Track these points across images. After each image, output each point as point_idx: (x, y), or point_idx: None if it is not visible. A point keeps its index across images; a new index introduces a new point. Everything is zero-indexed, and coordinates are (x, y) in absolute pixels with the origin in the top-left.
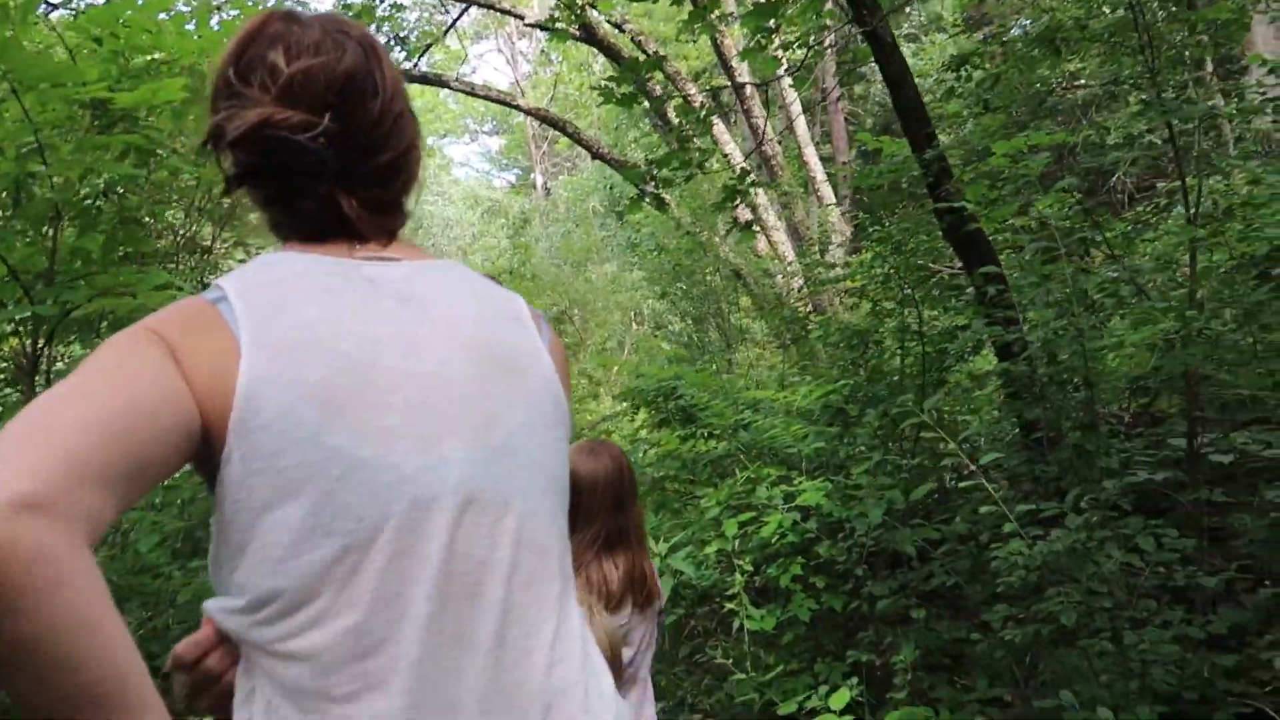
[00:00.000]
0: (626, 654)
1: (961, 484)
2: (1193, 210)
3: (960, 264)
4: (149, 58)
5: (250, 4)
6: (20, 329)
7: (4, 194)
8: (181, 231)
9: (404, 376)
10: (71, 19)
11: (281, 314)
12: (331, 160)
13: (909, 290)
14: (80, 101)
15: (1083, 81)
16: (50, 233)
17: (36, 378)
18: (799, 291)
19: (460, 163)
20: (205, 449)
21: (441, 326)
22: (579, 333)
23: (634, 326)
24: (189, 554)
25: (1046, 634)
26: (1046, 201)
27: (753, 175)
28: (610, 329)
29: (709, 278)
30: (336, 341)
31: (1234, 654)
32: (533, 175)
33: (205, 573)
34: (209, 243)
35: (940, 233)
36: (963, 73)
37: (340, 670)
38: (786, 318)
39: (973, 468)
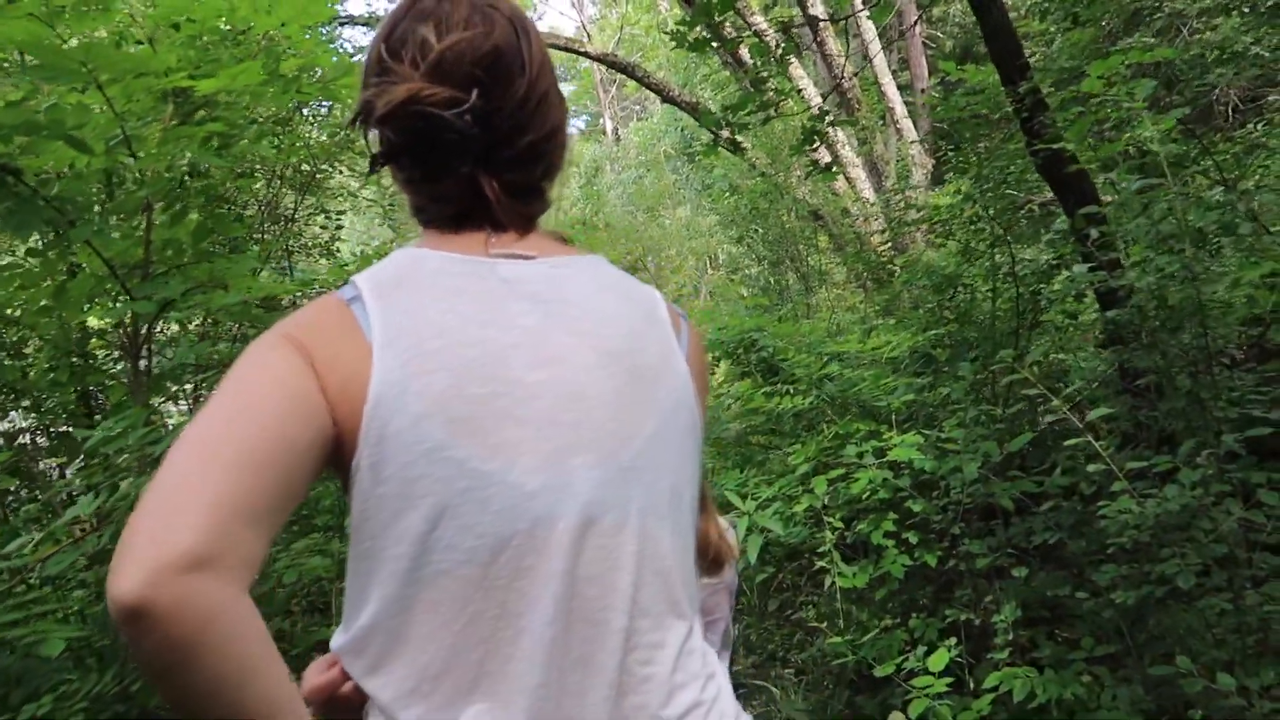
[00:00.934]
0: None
1: (1067, 442)
2: None
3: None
4: (224, 36)
5: None
6: (121, 322)
7: (97, 188)
8: (264, 202)
9: (535, 388)
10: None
11: (413, 317)
12: (477, 139)
13: (1002, 228)
14: (163, 90)
15: None
16: (143, 224)
17: (140, 360)
18: (880, 232)
19: None
20: (339, 457)
21: (577, 333)
22: (654, 280)
23: (709, 271)
24: (289, 523)
25: (1159, 595)
26: (1147, 127)
27: (831, 115)
28: (686, 275)
29: (785, 220)
30: (467, 349)
31: None
32: (602, 120)
33: (305, 553)
34: (291, 210)
35: (1034, 166)
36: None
37: (461, 694)
38: (869, 261)
39: (1079, 425)
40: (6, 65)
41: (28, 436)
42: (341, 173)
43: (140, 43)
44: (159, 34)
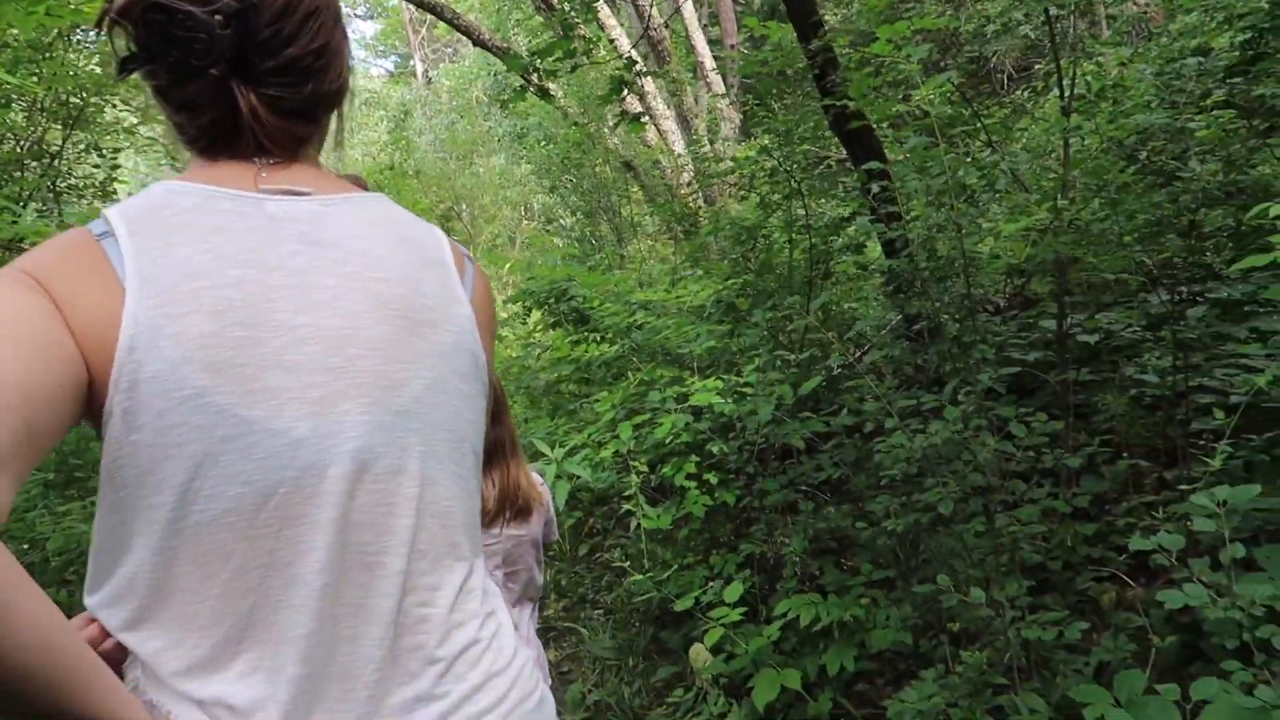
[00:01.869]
0: (497, 574)
1: (848, 384)
2: (1067, 95)
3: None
4: None
5: None
6: None
7: None
8: (25, 137)
9: (302, 331)
10: None
11: (169, 255)
12: (227, 40)
13: (796, 183)
14: None
15: None
16: None
17: None
18: (689, 184)
19: None
20: (90, 402)
21: (348, 276)
22: (467, 230)
23: (524, 222)
24: (63, 485)
25: (926, 521)
26: (927, 89)
27: (640, 64)
28: (500, 225)
29: (599, 170)
30: (227, 290)
31: (1094, 523)
32: (412, 62)
33: (76, 517)
34: (58, 146)
35: (826, 123)
36: None
37: (230, 645)
38: (678, 212)
39: (857, 367)
40: None
41: None
42: (115, 106)
43: None
44: None
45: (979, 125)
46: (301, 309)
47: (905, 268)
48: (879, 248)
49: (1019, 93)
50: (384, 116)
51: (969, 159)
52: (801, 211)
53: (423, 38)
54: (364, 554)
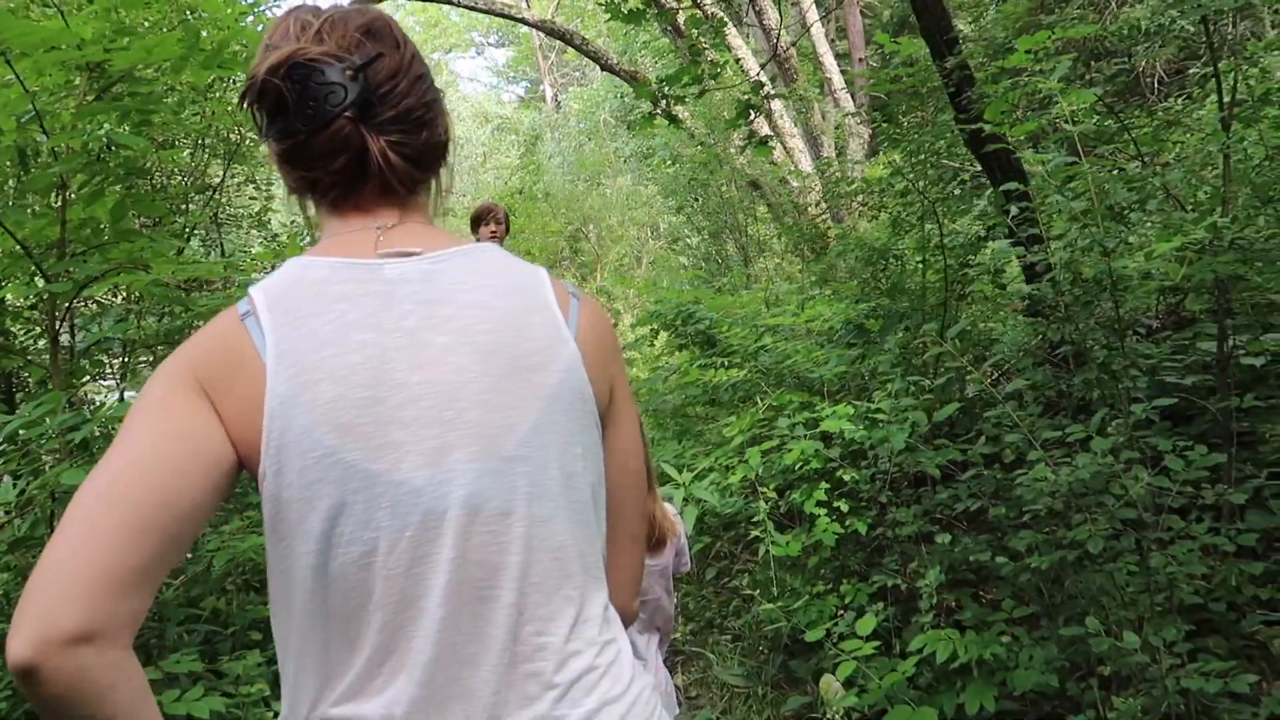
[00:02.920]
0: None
1: (987, 413)
2: (1226, 102)
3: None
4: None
5: None
6: (39, 300)
7: (8, 165)
8: (190, 173)
9: (416, 389)
10: None
11: (301, 328)
12: (358, 90)
13: (929, 203)
14: (77, 65)
15: None
16: (58, 202)
17: (58, 341)
18: (816, 204)
19: (468, 78)
20: (249, 467)
21: (455, 332)
22: (595, 250)
23: (650, 242)
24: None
25: (1073, 559)
26: (1069, 99)
27: (768, 87)
28: (627, 245)
29: (724, 190)
30: (350, 355)
31: (1262, 561)
32: (542, 87)
33: (236, 531)
34: (219, 180)
35: (962, 140)
36: None
37: (372, 668)
38: (805, 232)
39: (999, 397)
40: None
41: None
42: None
43: (49, 4)
44: (70, 7)
45: (1128, 138)
46: (415, 367)
47: (1048, 293)
48: (1018, 267)
49: (1172, 101)
50: (515, 141)
51: (1117, 172)
52: (935, 231)
53: (552, 63)
54: (478, 588)
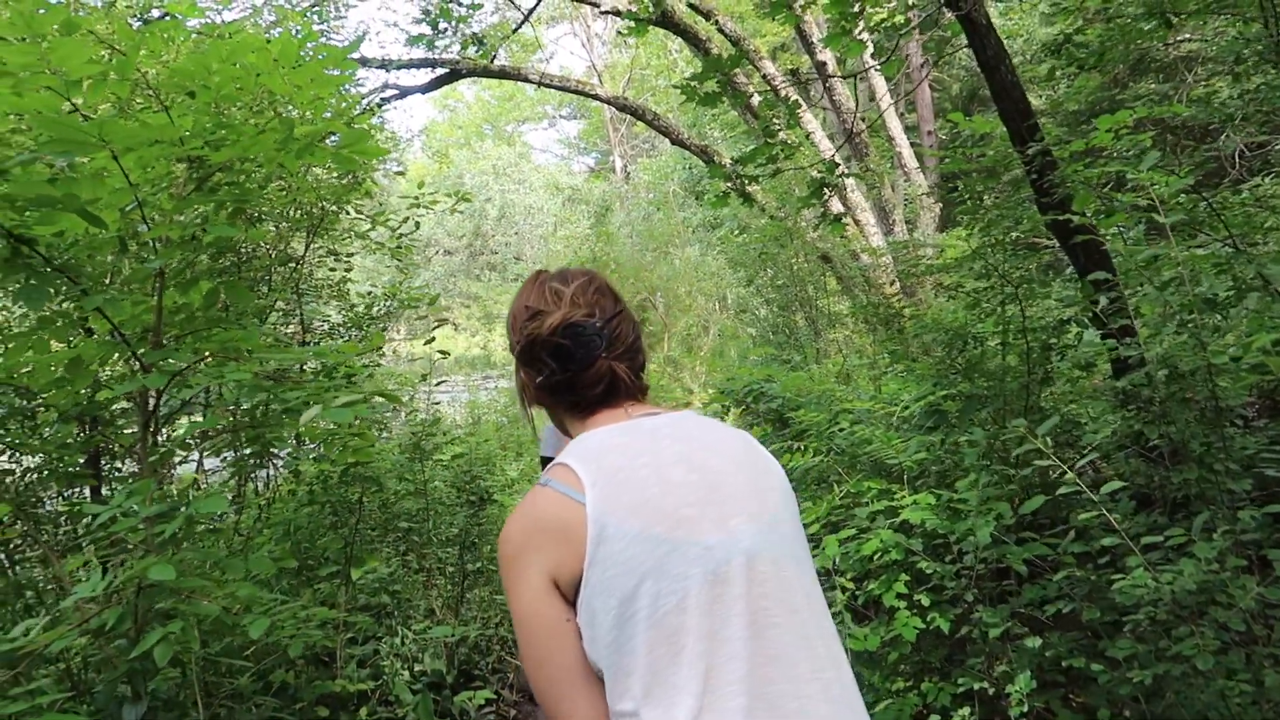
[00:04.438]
0: None
1: (1082, 516)
2: None
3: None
4: (241, 104)
5: (330, 41)
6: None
7: (109, 257)
8: (273, 246)
9: (693, 485)
10: (164, 66)
11: (601, 466)
12: (605, 338)
13: (1013, 288)
14: (178, 158)
15: (1186, 36)
16: (154, 291)
17: (149, 430)
18: (890, 283)
19: (540, 149)
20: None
21: (708, 449)
22: (662, 320)
23: (717, 312)
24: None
25: (1177, 672)
26: (1158, 192)
27: (842, 166)
28: (694, 315)
29: (795, 262)
30: (641, 472)
31: None
32: (611, 158)
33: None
34: (301, 253)
35: (1044, 225)
36: (1063, 53)
37: (705, 694)
38: (881, 314)
39: (1094, 498)
40: (20, 137)
41: (31, 478)
42: (349, 213)
43: (146, 96)
44: (173, 100)
45: (1218, 223)
46: (688, 470)
47: (1142, 385)
48: (1098, 347)
49: (1261, 180)
50: (585, 210)
51: (1209, 258)
52: (1017, 315)
53: (622, 135)
54: (768, 617)
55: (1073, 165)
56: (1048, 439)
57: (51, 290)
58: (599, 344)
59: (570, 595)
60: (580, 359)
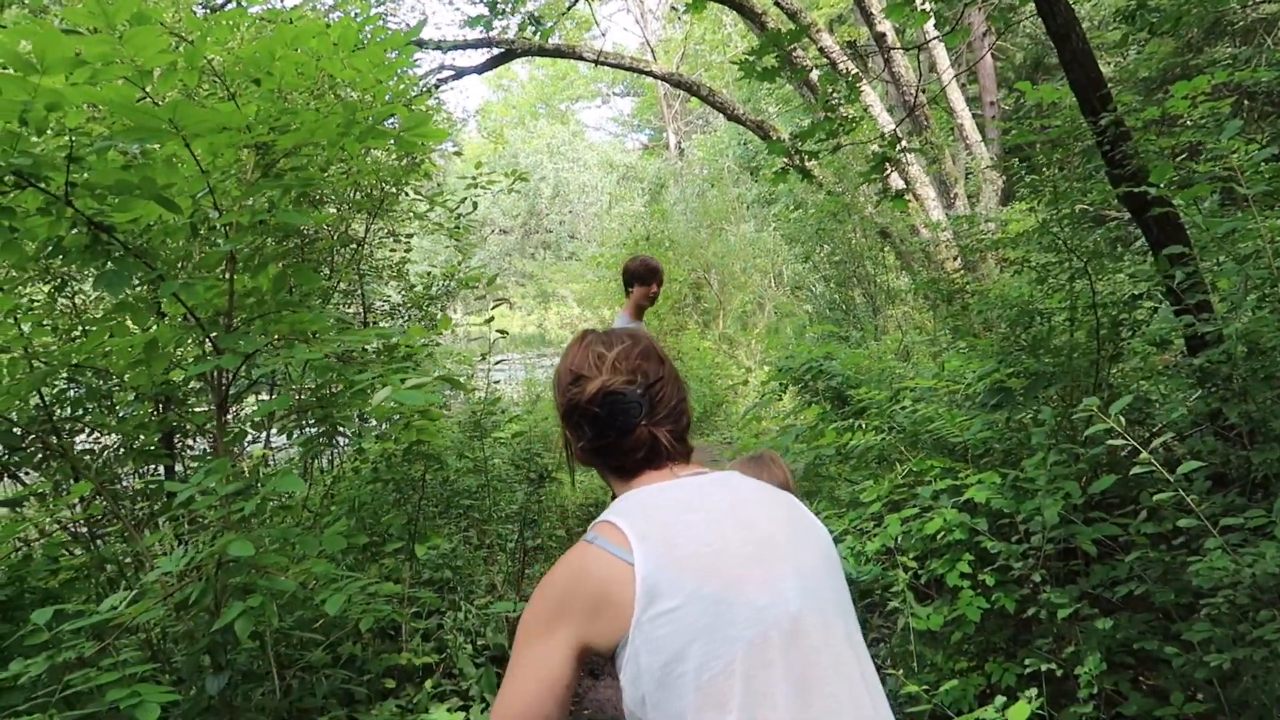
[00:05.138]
0: None
1: (1157, 496)
2: None
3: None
4: (302, 90)
5: (387, 23)
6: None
7: (183, 242)
8: (335, 227)
9: (743, 543)
10: (230, 53)
11: (652, 523)
12: (647, 403)
13: (1083, 262)
14: (245, 144)
15: None
16: (226, 275)
17: (224, 411)
18: (954, 259)
19: (593, 127)
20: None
21: (755, 506)
22: (717, 297)
23: (773, 289)
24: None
25: (1259, 659)
26: (1239, 162)
27: (903, 141)
28: (750, 292)
29: (852, 238)
30: (691, 528)
31: None
32: (665, 135)
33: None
34: (362, 234)
35: (1116, 197)
36: (1136, 18)
37: None
38: (943, 290)
39: (1170, 479)
40: (95, 126)
41: (110, 455)
42: (408, 194)
43: (212, 83)
44: (239, 87)
45: None
46: (739, 527)
47: (1220, 362)
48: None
49: None
50: (640, 188)
51: None
52: (1086, 291)
53: (675, 111)
54: (817, 673)
55: (1146, 135)
56: (1120, 417)
57: (132, 279)
58: (638, 411)
59: (608, 653)
60: (619, 428)
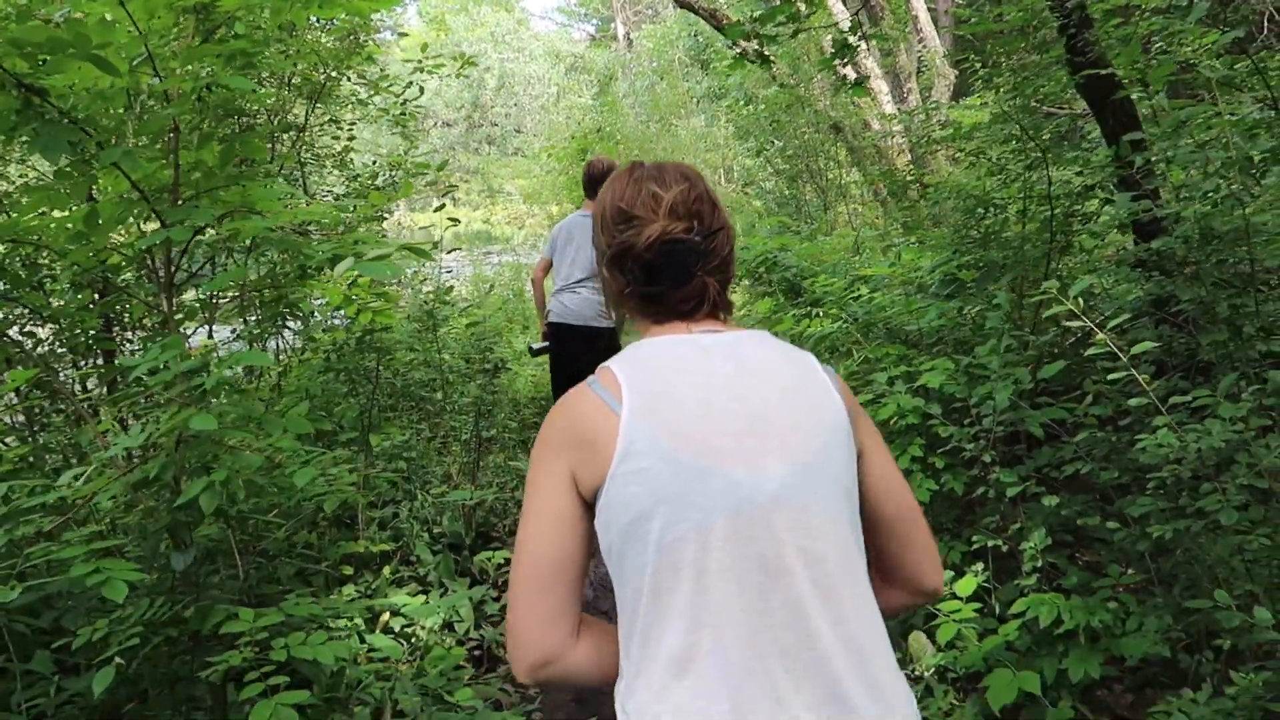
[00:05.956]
0: None
1: (1111, 376)
2: None
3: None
4: None
5: None
6: (153, 247)
7: (123, 110)
8: (274, 113)
9: (734, 414)
10: None
11: (647, 378)
12: (706, 253)
13: (1042, 152)
14: (184, 7)
15: None
16: (169, 147)
17: (173, 292)
18: (902, 151)
19: (539, 16)
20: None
21: (760, 378)
22: None
23: (723, 184)
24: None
25: (1198, 529)
26: (1202, 43)
27: (866, 26)
28: None
29: (804, 133)
30: (684, 390)
31: None
32: (613, 26)
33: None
34: (302, 120)
35: (1074, 86)
36: None
37: (693, 630)
38: (893, 179)
39: (1125, 360)
40: None
41: (47, 347)
42: (349, 80)
43: None
44: None
45: (1261, 82)
46: (732, 398)
47: (1175, 247)
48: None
49: None
50: (588, 81)
51: (1242, 122)
52: (1042, 181)
53: (624, 0)
54: (784, 562)
55: (1107, 23)
56: (1079, 300)
57: (69, 145)
58: (696, 262)
59: (590, 500)
60: (676, 278)
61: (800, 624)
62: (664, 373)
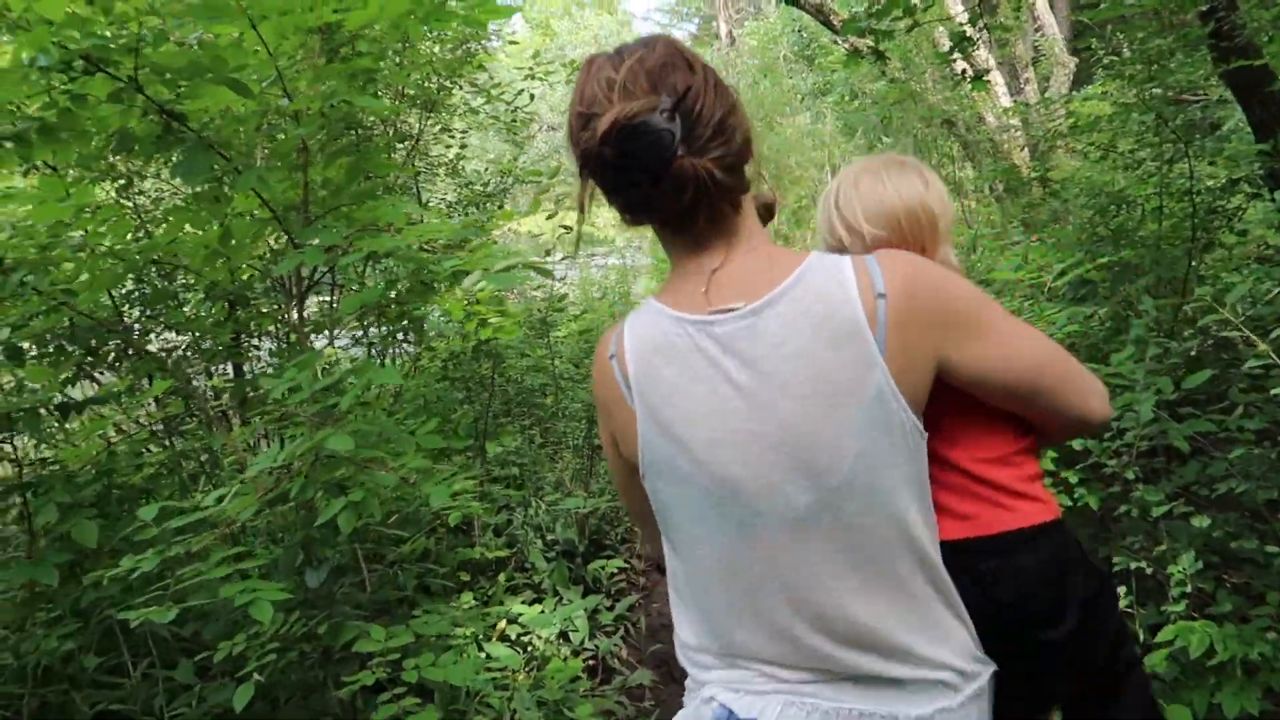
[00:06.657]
0: None
1: (1273, 391)
2: None
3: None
4: None
5: None
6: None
7: (256, 130)
8: (390, 124)
9: (752, 434)
10: None
11: (653, 388)
12: (679, 127)
13: (1184, 144)
14: (310, 28)
15: None
16: (298, 166)
17: (304, 305)
18: (1022, 146)
19: (641, 17)
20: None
21: (779, 385)
22: (771, 194)
23: (829, 183)
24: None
25: None
26: None
27: (984, 19)
28: (805, 187)
29: (916, 128)
30: (696, 404)
31: None
32: (715, 24)
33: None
34: (416, 130)
35: (1219, 75)
36: None
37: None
38: (1013, 174)
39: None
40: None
41: (179, 354)
42: (461, 89)
43: None
44: None
45: None
46: (749, 418)
47: None
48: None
49: None
50: None
51: None
52: (1184, 177)
53: None
54: (788, 593)
55: (1257, 4)
56: (1236, 307)
57: (209, 169)
58: (670, 140)
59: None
60: (648, 169)
61: (823, 586)
62: (672, 377)
